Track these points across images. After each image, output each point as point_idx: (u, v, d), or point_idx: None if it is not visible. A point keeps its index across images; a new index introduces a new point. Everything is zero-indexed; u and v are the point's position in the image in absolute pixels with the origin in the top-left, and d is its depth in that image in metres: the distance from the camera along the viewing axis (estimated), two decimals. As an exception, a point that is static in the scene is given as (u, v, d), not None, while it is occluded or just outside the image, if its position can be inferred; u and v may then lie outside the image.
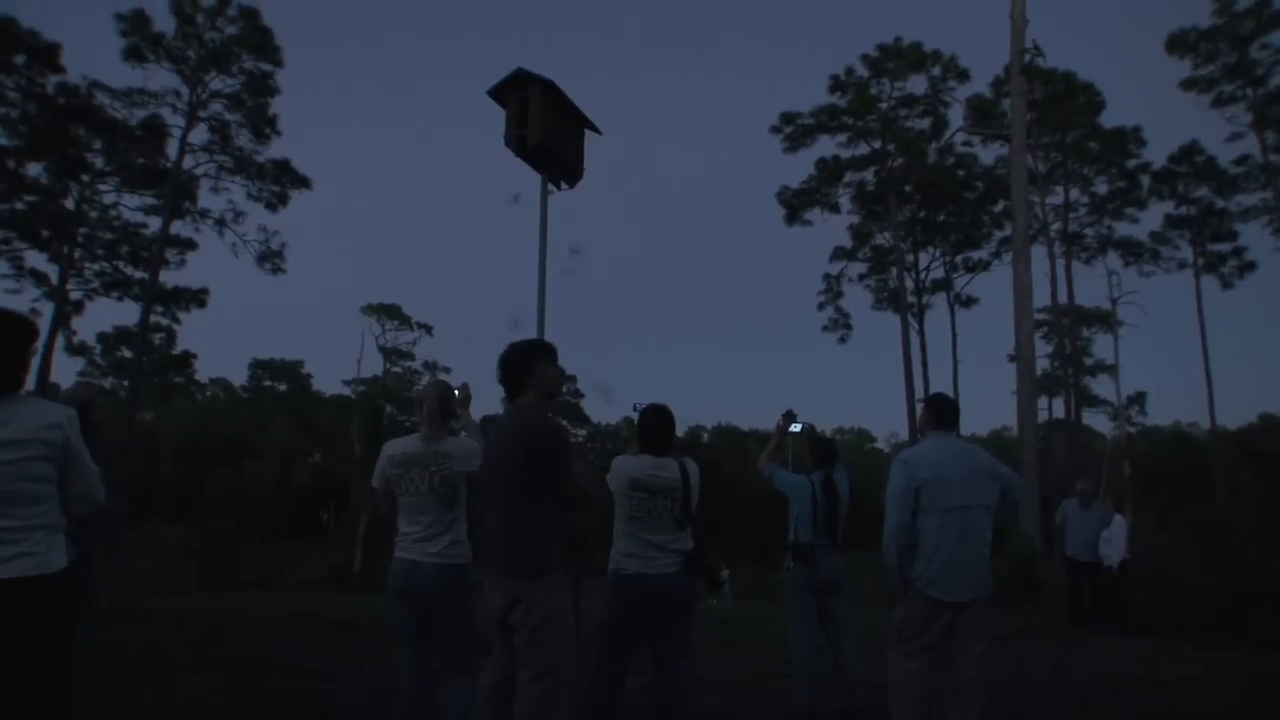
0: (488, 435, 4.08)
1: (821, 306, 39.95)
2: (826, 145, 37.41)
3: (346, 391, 59.31)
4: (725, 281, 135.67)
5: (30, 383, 3.23)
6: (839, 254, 39.98)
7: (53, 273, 30.27)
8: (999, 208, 36.65)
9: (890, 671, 4.71)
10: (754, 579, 29.39)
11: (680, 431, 4.91)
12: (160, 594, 16.35)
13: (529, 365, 3.97)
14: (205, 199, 32.80)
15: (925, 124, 36.98)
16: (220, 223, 32.39)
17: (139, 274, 31.81)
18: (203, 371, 57.48)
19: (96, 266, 31.69)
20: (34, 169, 29.50)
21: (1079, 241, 38.79)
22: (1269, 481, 35.15)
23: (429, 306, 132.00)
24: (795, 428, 6.22)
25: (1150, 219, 41.62)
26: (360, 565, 39.77)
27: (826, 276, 40.03)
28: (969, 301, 39.92)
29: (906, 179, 37.14)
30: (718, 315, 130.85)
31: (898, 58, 35.61)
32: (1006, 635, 9.33)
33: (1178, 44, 34.25)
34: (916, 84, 36.25)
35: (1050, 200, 37.74)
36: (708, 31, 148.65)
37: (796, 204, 38.24)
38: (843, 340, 39.87)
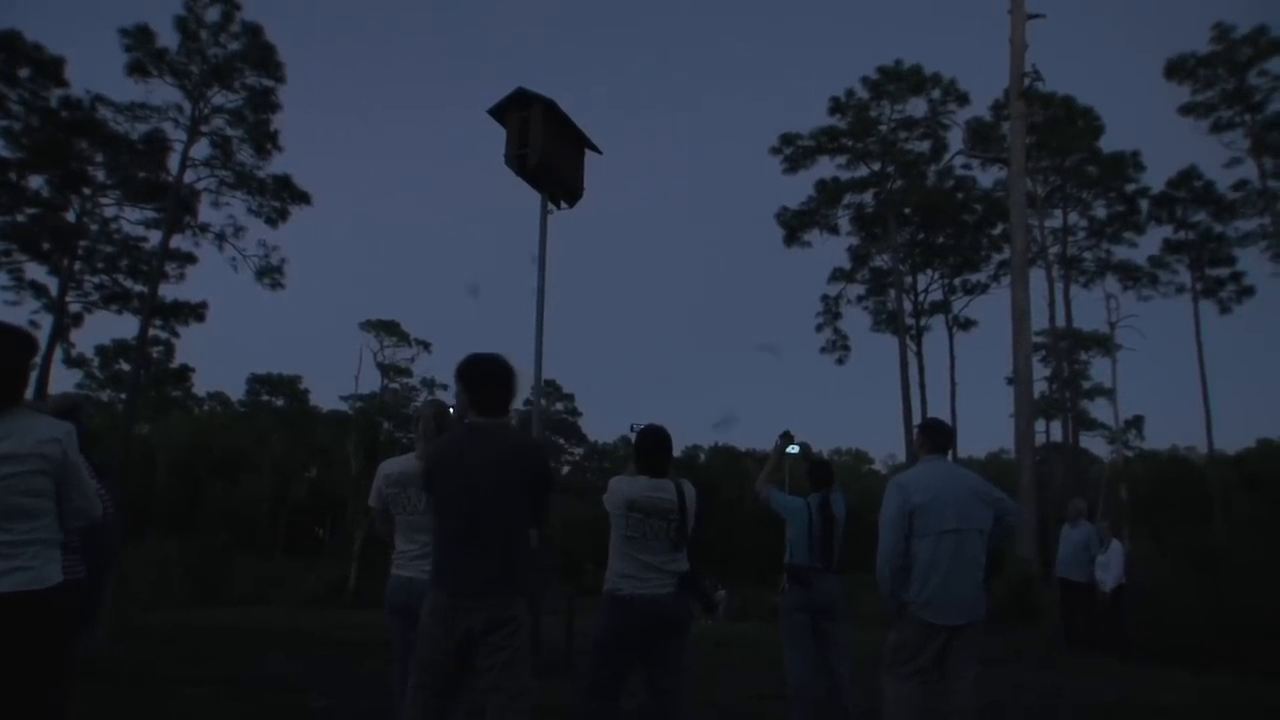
0: (470, 446, 3.79)
1: (820, 328, 40.00)
2: (826, 167, 37.54)
3: (344, 407, 59.32)
4: (724, 302, 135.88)
5: (28, 395, 3.22)
6: (838, 275, 40.05)
7: (52, 285, 30.38)
8: (998, 231, 36.70)
9: (885, 695, 4.70)
10: (750, 601, 29.30)
11: (677, 452, 4.91)
12: (154, 608, 16.29)
13: (516, 382, 3.92)
14: (206, 213, 32.88)
15: (925, 146, 37.10)
16: (220, 237, 32.44)
17: (138, 287, 31.87)
18: (200, 385, 57.49)
19: (96, 279, 31.77)
20: (36, 182, 29.66)
21: (1077, 265, 38.87)
22: (1267, 507, 35.11)
23: (428, 323, 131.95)
24: (792, 450, 6.23)
25: (1149, 243, 41.75)
26: (355, 582, 39.65)
27: (825, 298, 40.11)
28: (967, 324, 39.97)
29: (906, 201, 37.20)
30: (716, 336, 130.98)
31: (898, 80, 35.76)
32: (1002, 659, 9.30)
33: (1176, 70, 34.43)
34: (916, 107, 36.40)
35: (1049, 224, 37.85)
36: (708, 51, 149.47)
37: (796, 225, 38.30)
38: (841, 362, 39.88)
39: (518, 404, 4.01)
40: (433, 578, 3.75)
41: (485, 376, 3.86)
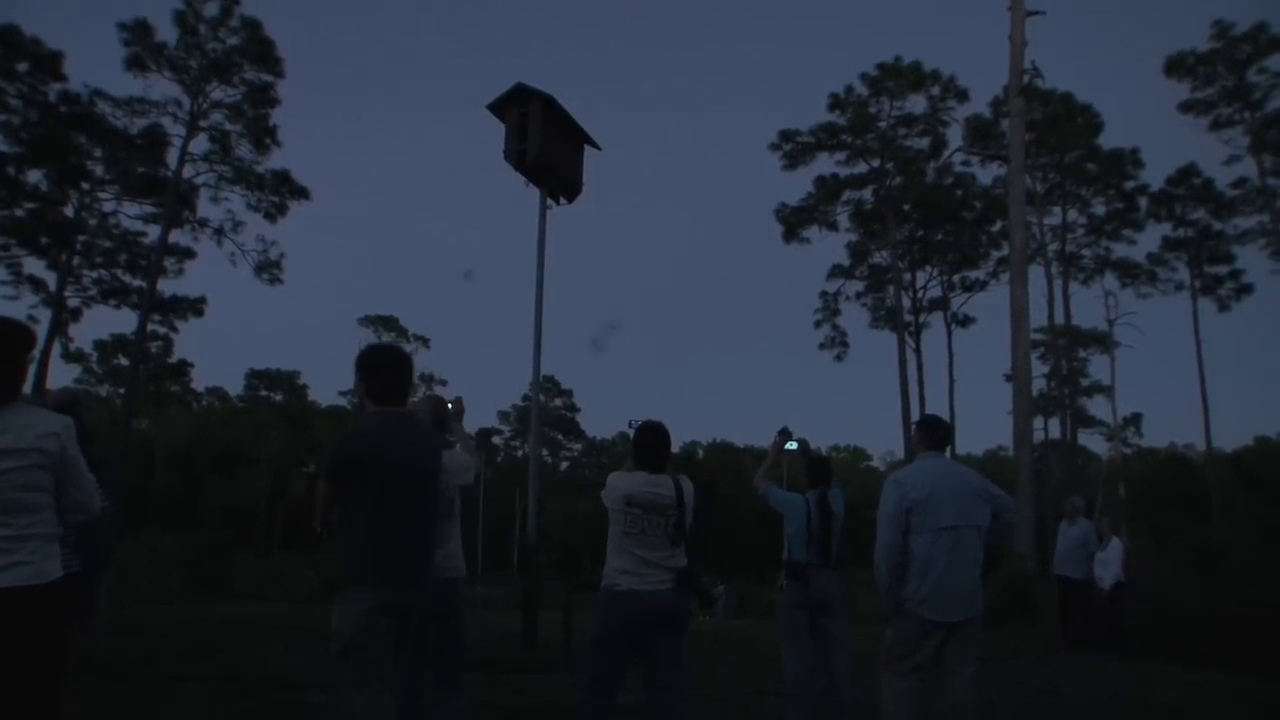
0: (397, 433, 3.75)
1: (819, 324, 40.10)
2: (825, 163, 37.65)
3: (343, 403, 59.30)
4: (722, 298, 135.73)
5: (26, 389, 3.22)
6: (837, 272, 40.12)
7: (51, 280, 30.36)
8: (997, 228, 36.75)
9: (882, 691, 4.71)
10: (749, 597, 29.32)
11: (676, 448, 4.92)
12: (153, 603, 16.30)
13: (412, 373, 4.01)
14: (204, 208, 32.86)
15: (924, 143, 37.19)
16: (219, 232, 32.41)
17: (137, 282, 31.88)
18: (199, 380, 57.57)
19: (95, 274, 31.76)
20: (34, 176, 29.63)
21: (1076, 262, 38.91)
22: (1264, 504, 35.15)
23: (426, 319, 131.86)
24: (791, 446, 6.24)
25: (1148, 241, 41.96)
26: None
27: (824, 294, 40.20)
28: (966, 321, 40.05)
29: (905, 198, 37.26)
30: (714, 332, 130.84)
31: (897, 77, 35.79)
32: (1000, 656, 9.31)
33: (1176, 67, 34.46)
34: (916, 103, 36.51)
35: (1048, 221, 37.93)
36: (708, 48, 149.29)
37: (795, 221, 38.34)
38: (839, 358, 39.98)
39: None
40: (366, 572, 3.61)
41: (382, 366, 3.88)
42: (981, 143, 33.21)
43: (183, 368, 40.48)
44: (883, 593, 4.75)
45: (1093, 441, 51.98)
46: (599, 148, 10.85)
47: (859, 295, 40.43)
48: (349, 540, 3.64)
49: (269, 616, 12.99)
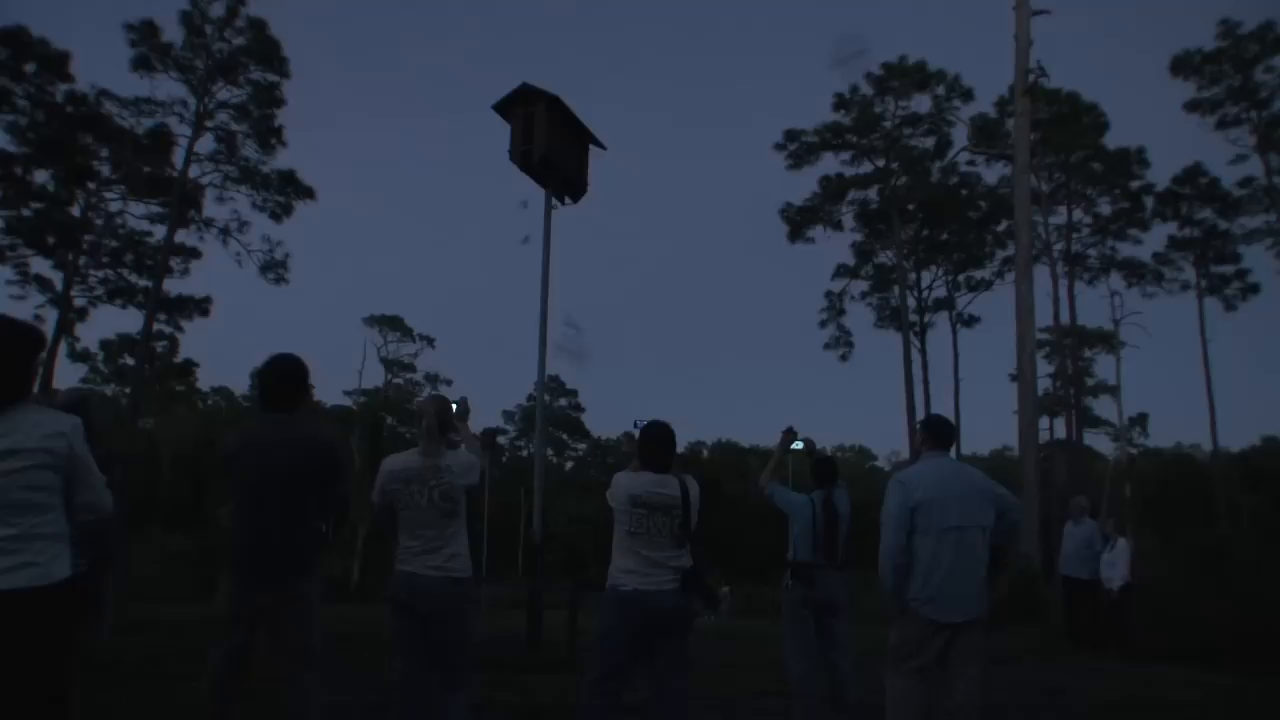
0: (266, 437, 4.05)
1: (823, 324, 39.95)
2: (830, 163, 37.49)
3: (347, 403, 59.21)
4: (727, 298, 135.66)
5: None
6: (841, 272, 39.99)
7: (57, 279, 30.39)
8: (1002, 227, 36.63)
9: (887, 692, 4.70)
10: (753, 597, 29.32)
11: (680, 448, 4.91)
12: (158, 602, 16.33)
13: (302, 379, 4.22)
14: (210, 208, 32.83)
15: (929, 143, 37.02)
16: (225, 232, 32.39)
17: (143, 282, 31.88)
18: (204, 380, 57.63)
19: (101, 274, 31.78)
20: (41, 176, 29.68)
21: (1082, 262, 38.76)
22: (1271, 504, 35.07)
23: (431, 319, 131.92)
24: (796, 446, 6.24)
25: (1153, 240, 41.72)
26: (358, 577, 39.68)
27: (829, 294, 40.04)
28: (971, 321, 39.88)
29: (910, 198, 37.16)
30: (719, 332, 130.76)
31: (902, 76, 35.68)
32: (1006, 657, 9.30)
33: (1182, 66, 34.35)
34: (920, 103, 36.32)
35: (1053, 220, 37.74)
36: (713, 48, 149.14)
37: (799, 221, 38.25)
38: (844, 358, 39.84)
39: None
40: (230, 563, 4.00)
41: (268, 374, 4.15)
42: (987, 142, 33.14)
43: (188, 367, 40.43)
44: (887, 593, 4.75)
45: (1098, 441, 51.94)
46: (604, 147, 10.86)
47: (864, 295, 40.32)
48: (228, 532, 4.04)
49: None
